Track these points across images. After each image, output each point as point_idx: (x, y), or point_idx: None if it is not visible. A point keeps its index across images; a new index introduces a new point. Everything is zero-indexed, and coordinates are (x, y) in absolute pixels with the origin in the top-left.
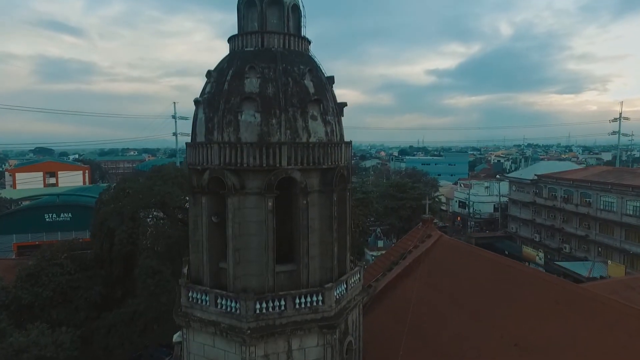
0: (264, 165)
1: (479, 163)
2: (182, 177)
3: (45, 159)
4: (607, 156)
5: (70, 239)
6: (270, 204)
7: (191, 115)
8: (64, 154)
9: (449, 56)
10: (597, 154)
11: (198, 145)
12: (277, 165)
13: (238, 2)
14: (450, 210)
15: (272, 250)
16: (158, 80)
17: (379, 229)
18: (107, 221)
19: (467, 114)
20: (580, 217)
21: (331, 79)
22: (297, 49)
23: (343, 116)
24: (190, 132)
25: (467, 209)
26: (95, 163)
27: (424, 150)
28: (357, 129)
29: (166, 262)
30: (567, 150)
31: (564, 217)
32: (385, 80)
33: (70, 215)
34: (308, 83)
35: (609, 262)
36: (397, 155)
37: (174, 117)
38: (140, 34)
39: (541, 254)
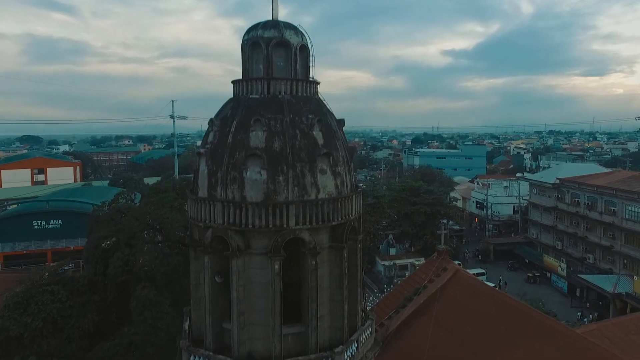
0: (271, 226)
1: (498, 154)
2: (182, 197)
3: (32, 153)
4: (632, 146)
5: (60, 262)
6: (277, 266)
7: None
8: (53, 142)
9: (466, 36)
10: (622, 143)
11: (200, 201)
12: (285, 225)
13: (242, 42)
14: (468, 211)
15: (278, 314)
16: (155, 61)
17: (391, 236)
18: (102, 246)
19: (485, 98)
20: (605, 226)
21: (341, 122)
22: (305, 94)
23: (353, 160)
24: (192, 181)
25: (484, 211)
26: (87, 156)
27: (439, 138)
28: (368, 123)
29: (164, 291)
30: (591, 138)
31: (587, 225)
32: (398, 61)
33: (60, 222)
34: (317, 134)
35: (635, 277)
36: (410, 144)
37: (171, 116)
38: (136, 11)
39: (563, 265)
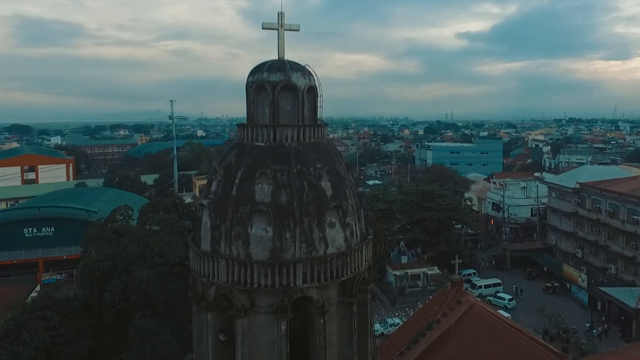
0: (277, 285)
1: (515, 146)
2: (183, 218)
3: (22, 148)
4: None
5: (53, 288)
6: (283, 327)
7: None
8: (44, 131)
9: (482, 17)
10: None
11: (203, 255)
12: (292, 284)
13: (246, 84)
14: (483, 212)
15: None
16: (153, 44)
17: (402, 242)
18: (98, 271)
19: (502, 83)
20: (627, 235)
21: (350, 166)
22: (312, 139)
23: (363, 206)
24: (194, 230)
25: (501, 212)
26: (80, 149)
27: (453, 127)
28: (378, 110)
29: (164, 318)
30: (613, 128)
31: (609, 233)
32: (410, 44)
33: (52, 229)
34: (325, 185)
35: None
36: (422, 134)
37: (170, 117)
38: None
39: (584, 275)
